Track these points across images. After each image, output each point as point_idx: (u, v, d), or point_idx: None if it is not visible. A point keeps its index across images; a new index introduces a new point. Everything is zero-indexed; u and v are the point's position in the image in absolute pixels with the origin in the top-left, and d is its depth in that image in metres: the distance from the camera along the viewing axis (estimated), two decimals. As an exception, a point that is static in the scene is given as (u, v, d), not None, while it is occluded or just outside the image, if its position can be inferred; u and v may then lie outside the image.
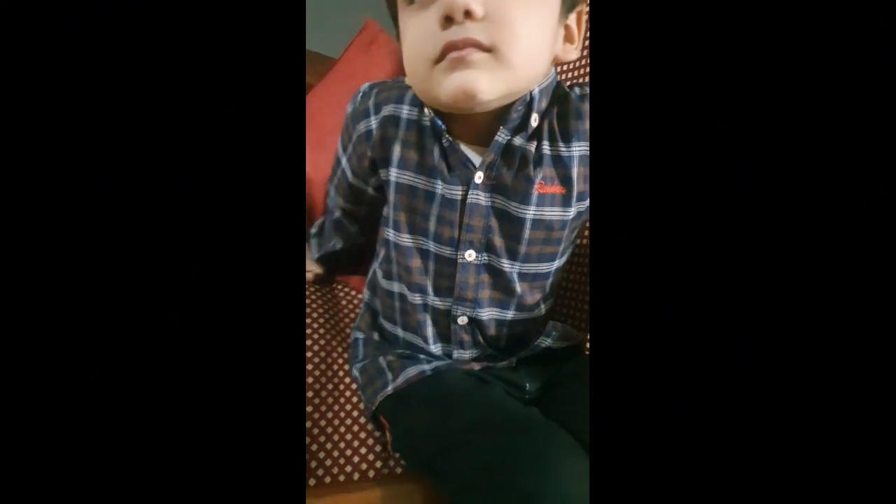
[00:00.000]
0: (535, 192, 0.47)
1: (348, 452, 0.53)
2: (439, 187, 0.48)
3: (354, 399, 0.57)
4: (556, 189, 0.47)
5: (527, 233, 0.48)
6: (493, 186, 0.47)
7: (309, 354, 0.59)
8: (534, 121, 0.46)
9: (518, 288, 0.50)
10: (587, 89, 0.49)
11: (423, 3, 0.40)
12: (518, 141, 0.46)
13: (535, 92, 0.45)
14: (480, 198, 0.47)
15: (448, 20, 0.38)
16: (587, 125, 0.46)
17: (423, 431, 0.47)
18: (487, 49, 0.38)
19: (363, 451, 0.53)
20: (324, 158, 0.75)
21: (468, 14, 0.37)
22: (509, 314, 0.52)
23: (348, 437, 0.54)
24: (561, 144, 0.47)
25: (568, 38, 0.45)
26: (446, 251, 0.49)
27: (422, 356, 0.54)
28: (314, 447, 0.52)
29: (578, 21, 0.45)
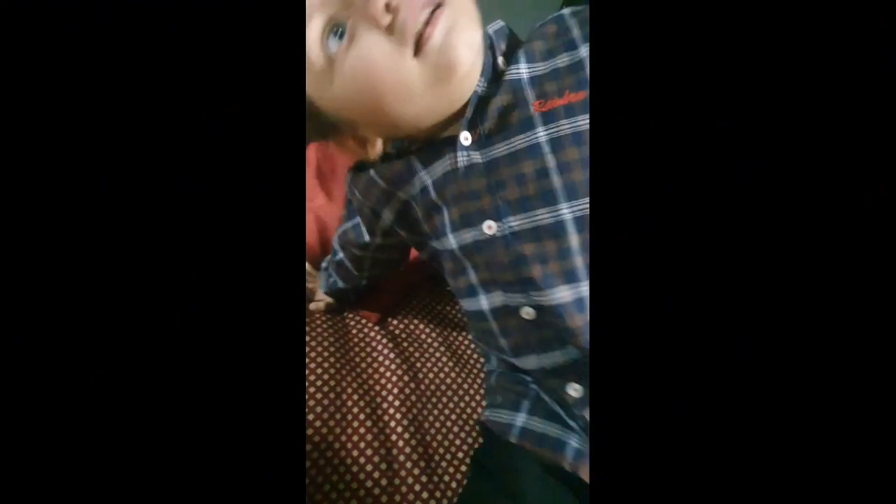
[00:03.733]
0: (535, 112, 0.38)
1: (354, 485, 0.51)
2: (426, 178, 0.43)
3: (362, 430, 0.55)
4: (568, 98, 0.38)
5: (550, 159, 0.37)
6: (484, 140, 0.40)
7: (318, 384, 0.58)
8: (501, 63, 0.40)
9: (576, 239, 0.37)
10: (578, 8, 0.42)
11: (348, 44, 0.35)
12: (491, 87, 0.39)
13: (491, 32, 0.41)
14: (474, 157, 0.40)
15: (387, 29, 0.33)
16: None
17: None
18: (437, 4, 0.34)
19: (369, 484, 0.51)
20: (335, 189, 0.77)
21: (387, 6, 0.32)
22: (583, 287, 0.38)
23: (354, 469, 0.52)
24: (561, 55, 0.39)
25: None
26: (467, 236, 0.41)
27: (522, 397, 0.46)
28: (319, 479, 0.50)
29: None
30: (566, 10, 0.42)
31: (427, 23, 0.33)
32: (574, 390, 0.41)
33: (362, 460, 0.53)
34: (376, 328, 0.68)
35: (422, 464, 0.54)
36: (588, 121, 0.38)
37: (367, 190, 0.48)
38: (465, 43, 0.35)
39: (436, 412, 0.59)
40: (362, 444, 0.54)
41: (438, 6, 0.34)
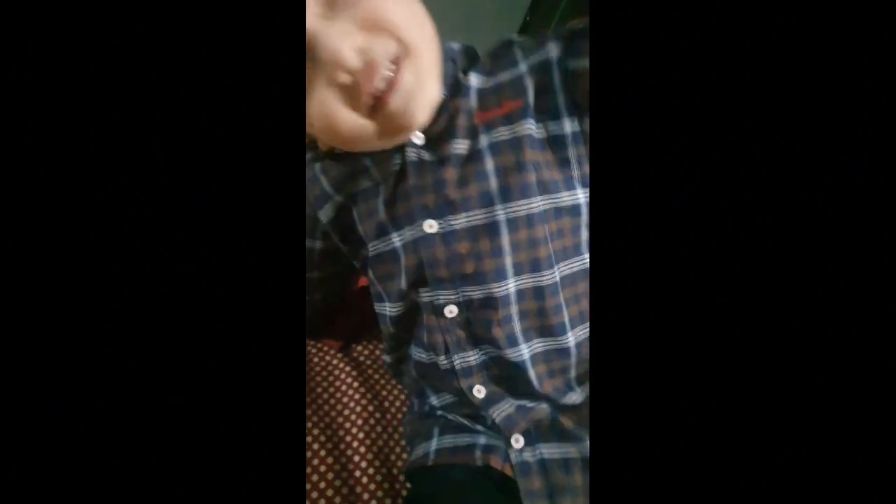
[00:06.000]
0: (478, 123, 0.41)
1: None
2: (376, 174, 0.43)
3: (315, 461, 0.51)
4: (506, 107, 0.40)
5: (489, 163, 0.40)
6: (433, 141, 0.41)
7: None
8: (461, 77, 0.42)
9: (507, 240, 0.40)
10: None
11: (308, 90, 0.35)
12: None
13: (455, 47, 0.43)
14: (423, 155, 0.41)
15: (347, 74, 0.34)
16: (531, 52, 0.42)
17: None
18: (398, 58, 0.34)
19: (328, 526, 0.46)
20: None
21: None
22: (510, 284, 0.41)
23: (313, 510, 0.47)
24: (504, 72, 0.42)
25: None
26: (409, 234, 0.42)
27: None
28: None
29: None
30: (514, 36, 0.45)
31: (386, 85, 0.34)
32: (478, 391, 0.45)
33: (315, 495, 0.48)
34: (339, 355, 0.64)
35: (388, 501, 0.49)
36: (524, 127, 0.40)
37: (309, 187, 0.47)
38: (423, 105, 0.37)
39: (403, 442, 0.55)
40: (322, 485, 0.49)
41: (398, 60, 0.34)
